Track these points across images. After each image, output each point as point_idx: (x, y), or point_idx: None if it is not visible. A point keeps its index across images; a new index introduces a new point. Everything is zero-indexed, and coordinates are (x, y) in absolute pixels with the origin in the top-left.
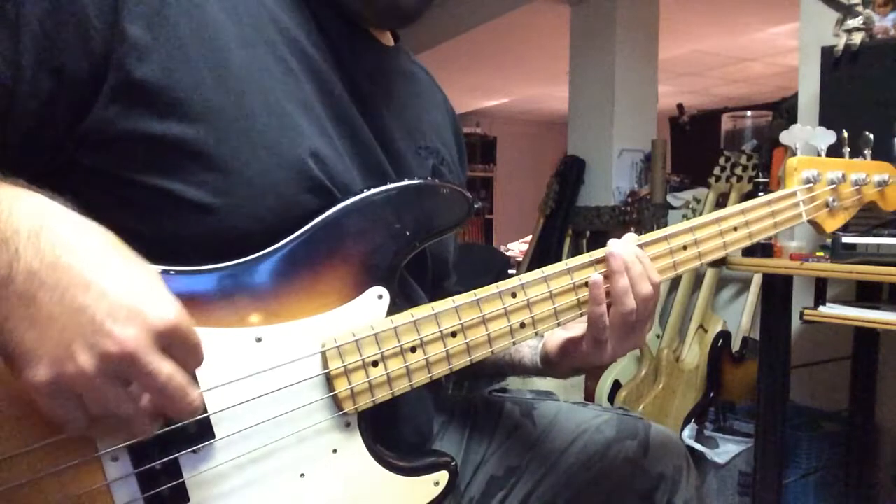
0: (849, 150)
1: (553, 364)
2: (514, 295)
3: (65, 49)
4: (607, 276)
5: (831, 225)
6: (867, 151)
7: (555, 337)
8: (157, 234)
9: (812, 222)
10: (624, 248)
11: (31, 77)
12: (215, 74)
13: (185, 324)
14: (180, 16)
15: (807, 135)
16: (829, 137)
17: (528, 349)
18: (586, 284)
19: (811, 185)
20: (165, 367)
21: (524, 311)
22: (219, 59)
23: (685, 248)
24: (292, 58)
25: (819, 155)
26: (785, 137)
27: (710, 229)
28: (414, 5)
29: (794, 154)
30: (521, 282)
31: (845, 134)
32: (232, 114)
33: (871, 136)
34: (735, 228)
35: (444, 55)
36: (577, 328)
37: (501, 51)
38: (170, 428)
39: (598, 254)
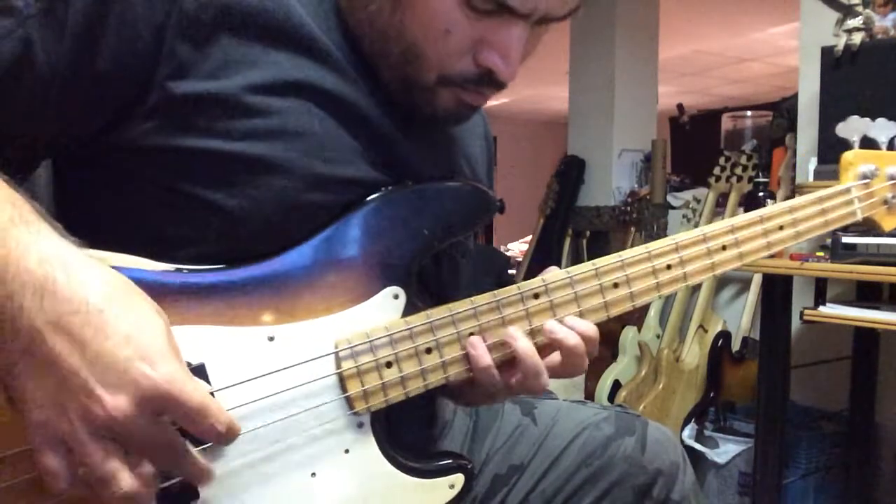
0: None
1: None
2: (536, 296)
3: (108, 57)
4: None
5: (889, 223)
6: None
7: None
8: (173, 230)
9: (868, 220)
10: (517, 335)
11: (69, 78)
12: (254, 95)
13: (177, 389)
14: (230, 38)
15: (866, 126)
16: (890, 129)
17: None
18: (615, 286)
19: (868, 180)
20: (151, 431)
21: (547, 314)
22: (258, 82)
23: (724, 248)
24: (339, 88)
25: (879, 148)
26: (841, 130)
27: (752, 229)
28: (454, 120)
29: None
30: (545, 283)
31: None
32: (268, 132)
33: None
34: (781, 227)
35: None
36: None
37: None
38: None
39: (626, 254)
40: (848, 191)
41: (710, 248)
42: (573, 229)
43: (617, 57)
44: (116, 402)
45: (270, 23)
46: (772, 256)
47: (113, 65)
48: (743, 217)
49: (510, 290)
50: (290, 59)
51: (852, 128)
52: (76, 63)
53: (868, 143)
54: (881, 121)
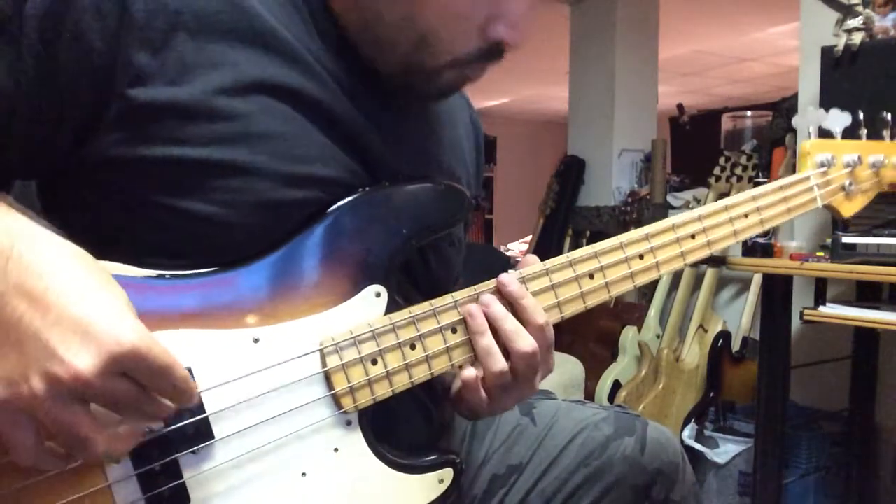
0: (866, 131)
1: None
2: None
3: (67, 71)
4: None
5: (849, 209)
6: (886, 132)
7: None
8: (155, 241)
9: (828, 207)
10: (489, 300)
11: (34, 96)
12: (216, 99)
13: (145, 348)
14: (186, 42)
15: (820, 117)
16: (843, 119)
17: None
18: (591, 276)
19: (825, 168)
20: (118, 389)
21: None
22: (218, 85)
23: (693, 236)
24: (303, 84)
25: (833, 138)
26: (797, 121)
27: (719, 217)
28: (448, 94)
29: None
30: (522, 275)
31: (861, 115)
32: (233, 136)
33: (889, 116)
34: (746, 215)
35: None
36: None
37: None
38: (169, 429)
39: (602, 244)
40: (807, 178)
41: (679, 237)
42: (573, 229)
43: (617, 57)
44: (80, 363)
45: (225, 22)
46: (769, 255)
47: (72, 78)
48: (708, 207)
49: (490, 284)
50: (249, 58)
51: (808, 119)
52: (38, 80)
53: (824, 133)
54: (834, 111)
